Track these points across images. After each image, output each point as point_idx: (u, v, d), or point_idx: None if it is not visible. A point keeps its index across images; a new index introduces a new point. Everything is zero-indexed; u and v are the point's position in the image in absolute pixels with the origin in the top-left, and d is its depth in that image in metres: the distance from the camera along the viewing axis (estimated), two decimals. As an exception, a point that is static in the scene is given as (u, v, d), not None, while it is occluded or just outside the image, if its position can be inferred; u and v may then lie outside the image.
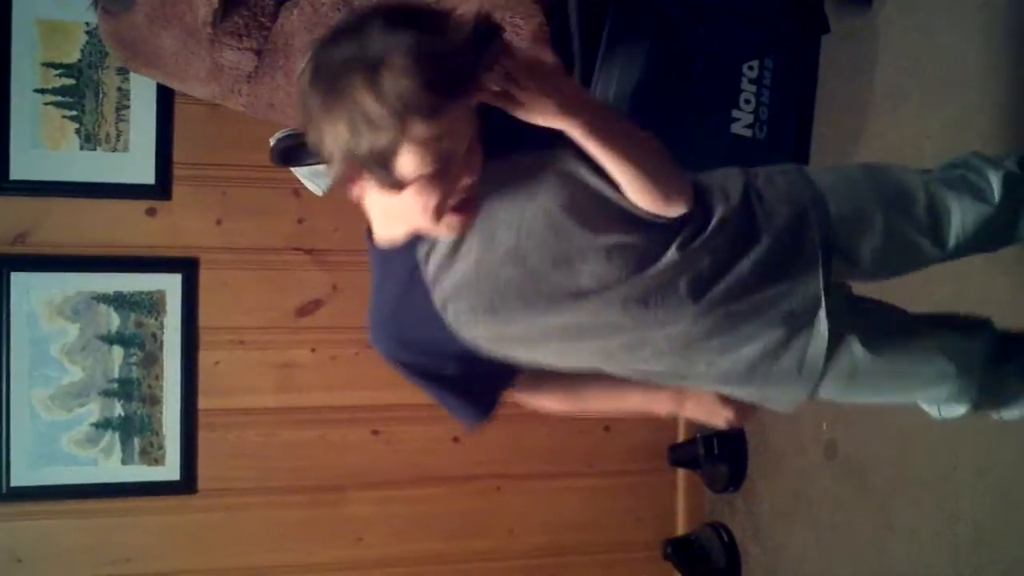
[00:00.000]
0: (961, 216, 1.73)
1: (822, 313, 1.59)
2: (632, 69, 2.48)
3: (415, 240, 1.48)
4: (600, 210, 1.49)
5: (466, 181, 1.37)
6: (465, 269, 1.48)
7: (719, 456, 3.48)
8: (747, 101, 2.75)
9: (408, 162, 1.29)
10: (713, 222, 1.54)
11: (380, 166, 1.29)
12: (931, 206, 1.72)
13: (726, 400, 1.72)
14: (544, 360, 1.61)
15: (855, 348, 1.64)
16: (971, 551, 2.50)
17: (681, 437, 3.69)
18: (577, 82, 1.56)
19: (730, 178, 1.63)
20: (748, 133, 2.75)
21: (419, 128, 1.25)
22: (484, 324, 1.53)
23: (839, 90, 2.92)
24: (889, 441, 2.80)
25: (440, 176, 1.32)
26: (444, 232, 1.43)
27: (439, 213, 1.37)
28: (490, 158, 1.41)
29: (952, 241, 1.74)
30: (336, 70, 1.26)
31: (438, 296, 1.51)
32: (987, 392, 1.83)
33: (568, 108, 1.37)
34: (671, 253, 1.50)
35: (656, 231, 1.51)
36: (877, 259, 1.67)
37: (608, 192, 1.48)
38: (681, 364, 1.60)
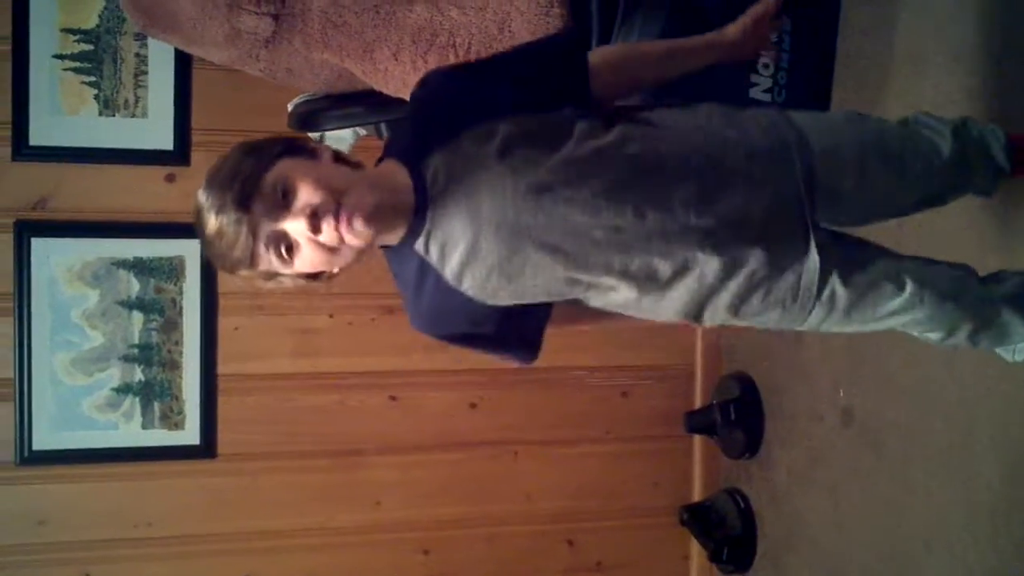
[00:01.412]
0: (927, 156, 1.87)
1: (812, 245, 1.68)
2: (650, 34, 2.47)
3: (408, 237, 1.58)
4: (551, 138, 1.59)
5: (349, 199, 1.47)
6: (464, 250, 1.57)
7: (735, 422, 3.49)
8: (765, 65, 2.73)
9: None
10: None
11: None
12: (904, 150, 1.84)
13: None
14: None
15: (834, 280, 1.73)
16: (987, 517, 2.50)
17: (698, 403, 3.70)
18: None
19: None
20: (767, 97, 2.73)
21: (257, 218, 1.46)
22: (503, 291, 1.62)
23: (859, 51, 2.89)
24: (906, 407, 2.79)
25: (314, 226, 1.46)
26: (358, 244, 1.51)
27: (330, 256, 1.51)
28: (441, 144, 1.57)
29: (916, 182, 1.86)
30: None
31: (449, 275, 1.60)
32: (984, 325, 1.94)
33: None
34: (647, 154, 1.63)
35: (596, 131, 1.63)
36: (854, 197, 1.77)
37: (549, 124, 1.62)
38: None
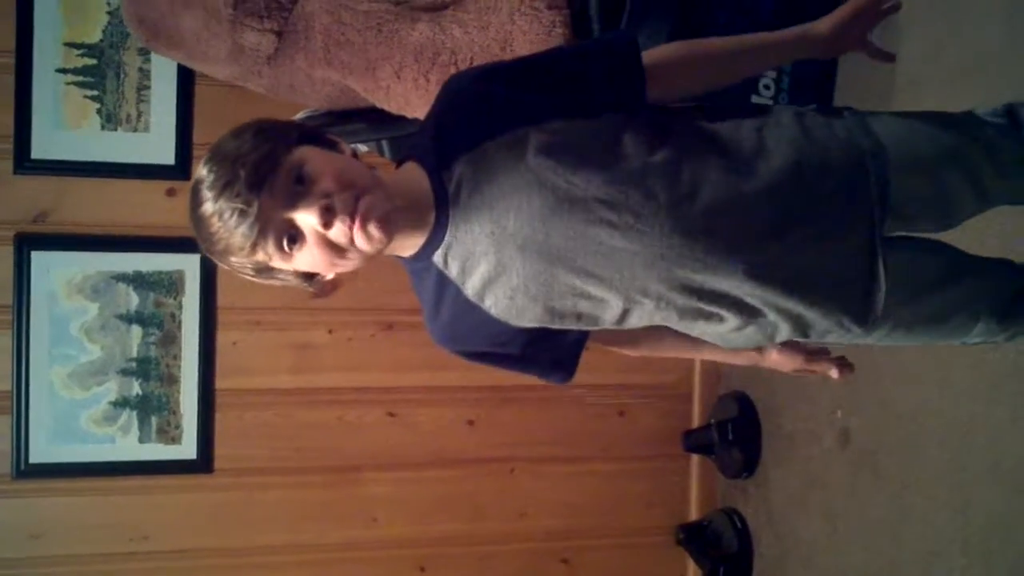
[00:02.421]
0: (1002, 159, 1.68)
1: (880, 268, 1.54)
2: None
3: (426, 248, 1.46)
4: (591, 151, 1.45)
5: (367, 200, 1.36)
6: (487, 268, 1.45)
7: (733, 442, 3.49)
8: (767, 87, 2.74)
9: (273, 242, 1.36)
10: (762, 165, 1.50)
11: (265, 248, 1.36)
12: (980, 159, 1.66)
13: (806, 363, 1.74)
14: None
15: (900, 304, 1.61)
16: (983, 539, 2.50)
17: (696, 423, 3.69)
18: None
19: (779, 121, 1.58)
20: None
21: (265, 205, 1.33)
22: (529, 312, 1.50)
23: (859, 77, 2.90)
24: (903, 429, 2.80)
25: (326, 219, 1.34)
26: (367, 251, 1.39)
27: (336, 256, 1.38)
28: (465, 152, 1.43)
29: (998, 194, 1.71)
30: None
31: (470, 293, 1.49)
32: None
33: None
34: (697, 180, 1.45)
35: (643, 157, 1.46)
36: (929, 209, 1.63)
37: (588, 135, 1.46)
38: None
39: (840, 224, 1.52)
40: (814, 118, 1.58)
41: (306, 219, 1.34)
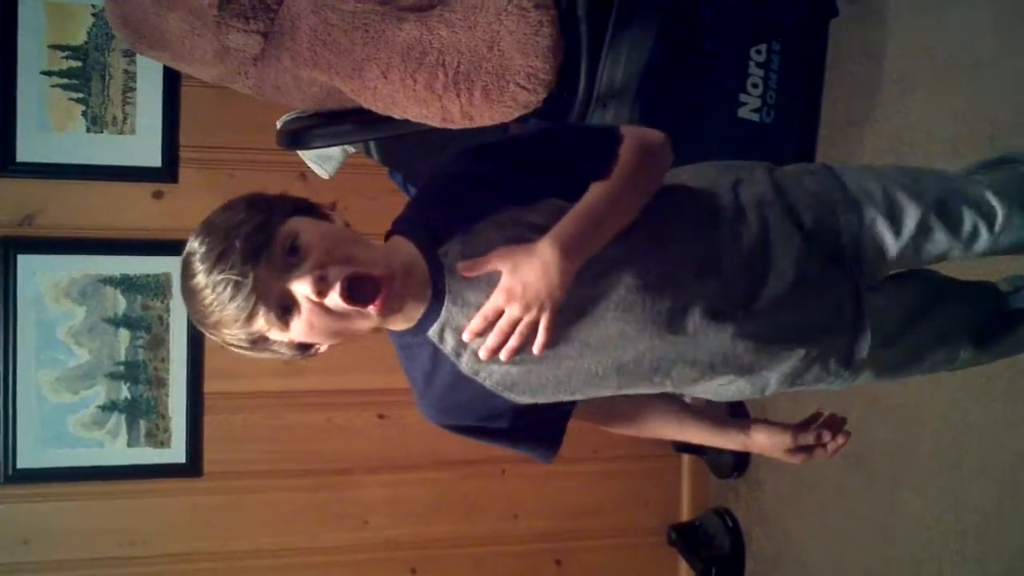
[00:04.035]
0: (1000, 229, 1.70)
1: (866, 315, 1.58)
2: (639, 52, 2.47)
3: (422, 323, 1.46)
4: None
5: (368, 263, 1.37)
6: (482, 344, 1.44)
7: (724, 442, 3.48)
8: (755, 85, 2.74)
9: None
10: (734, 238, 1.52)
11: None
12: (965, 211, 1.68)
13: (795, 442, 1.71)
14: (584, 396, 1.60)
15: (884, 349, 1.66)
16: (976, 538, 2.50)
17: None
18: (529, 249, 1.38)
19: (752, 178, 1.61)
20: (755, 117, 2.74)
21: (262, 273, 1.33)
22: (521, 393, 1.52)
23: (847, 75, 2.90)
24: (894, 428, 2.79)
25: (318, 289, 1.34)
26: (367, 326, 1.42)
27: (334, 323, 1.39)
28: (459, 232, 1.43)
29: (980, 250, 1.71)
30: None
31: (466, 368, 1.49)
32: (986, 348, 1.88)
33: (563, 278, 1.35)
34: (689, 277, 1.48)
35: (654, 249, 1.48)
36: (905, 260, 1.66)
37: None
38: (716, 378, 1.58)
39: (819, 280, 1.55)
40: (785, 174, 1.63)
41: (301, 289, 1.34)
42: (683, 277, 1.47)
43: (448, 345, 1.47)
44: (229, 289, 1.32)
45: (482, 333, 1.38)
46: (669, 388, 1.57)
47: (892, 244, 1.62)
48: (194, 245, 1.36)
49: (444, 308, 1.44)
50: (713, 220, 1.53)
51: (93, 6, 3.12)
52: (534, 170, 1.48)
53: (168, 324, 3.23)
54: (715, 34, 2.62)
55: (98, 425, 3.20)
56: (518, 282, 1.34)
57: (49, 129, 3.14)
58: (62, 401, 3.17)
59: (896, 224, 1.61)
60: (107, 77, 3.17)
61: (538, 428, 1.64)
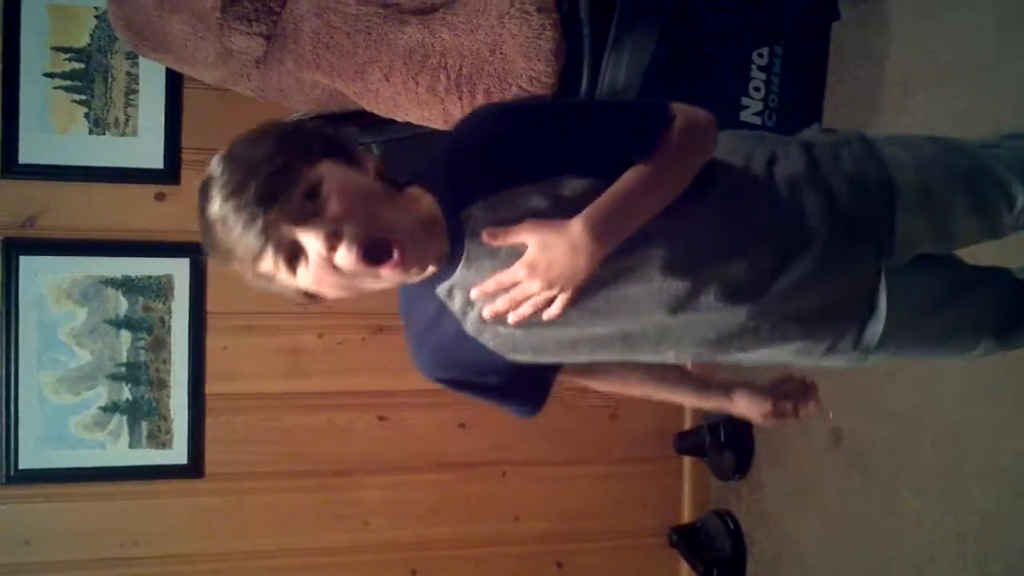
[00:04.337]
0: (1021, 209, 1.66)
1: (882, 298, 1.54)
2: (641, 56, 2.48)
3: (433, 281, 1.43)
4: None
5: (386, 225, 1.33)
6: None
7: (725, 444, 3.48)
8: (756, 89, 2.74)
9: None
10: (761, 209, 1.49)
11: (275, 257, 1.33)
12: (994, 192, 1.64)
13: (775, 408, 1.71)
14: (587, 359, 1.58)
15: (898, 334, 1.61)
16: (977, 540, 2.50)
17: (688, 425, 3.69)
18: (565, 228, 1.34)
19: (787, 154, 1.56)
20: (757, 120, 2.74)
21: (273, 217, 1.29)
22: (523, 353, 1.50)
23: (849, 78, 2.91)
24: (895, 429, 2.80)
25: (331, 241, 1.30)
26: (382, 283, 1.38)
27: (356, 267, 1.33)
28: (484, 195, 1.39)
29: (1007, 229, 1.68)
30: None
31: (471, 327, 1.47)
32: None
33: (590, 263, 1.34)
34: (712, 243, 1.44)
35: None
36: (934, 239, 1.63)
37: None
38: (720, 353, 1.55)
39: (843, 262, 1.51)
40: (821, 149, 1.57)
41: (311, 242, 1.30)
42: (707, 257, 1.44)
43: (456, 303, 1.45)
44: (240, 226, 1.29)
45: (493, 295, 1.37)
46: (671, 359, 1.57)
47: (924, 226, 1.58)
48: (215, 169, 1.33)
49: (458, 270, 1.41)
50: (745, 199, 1.49)
51: (96, 8, 3.12)
52: (572, 144, 1.43)
53: (170, 326, 3.23)
54: (717, 37, 2.62)
55: (100, 426, 3.20)
56: (544, 259, 1.32)
57: (51, 131, 3.14)
58: (64, 402, 3.17)
59: (930, 206, 1.58)
60: (110, 79, 3.17)
61: (527, 385, 1.60)
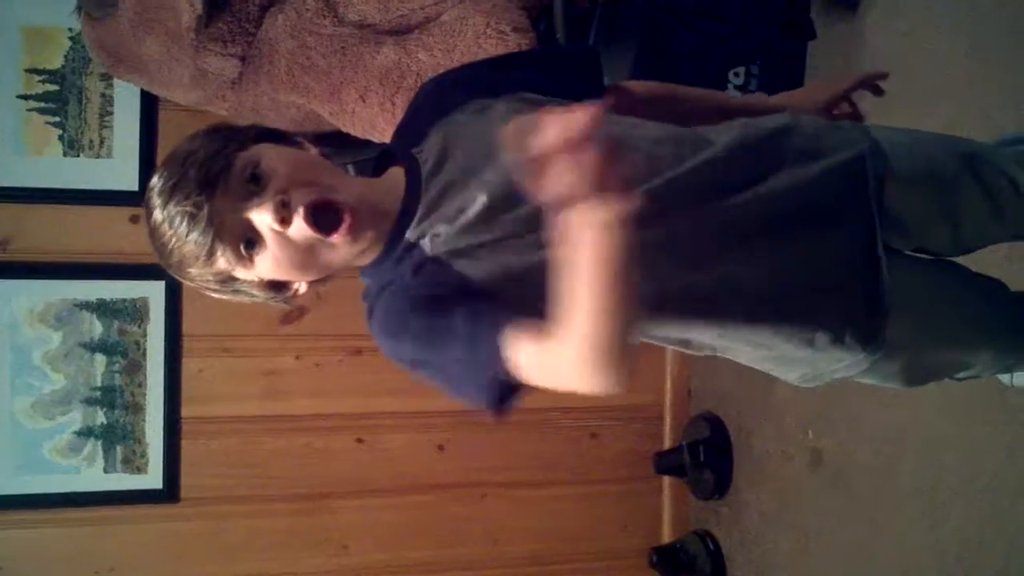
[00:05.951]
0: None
1: (883, 282, 1.44)
2: (617, 75, 2.48)
3: (389, 247, 1.35)
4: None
5: (333, 187, 1.29)
6: (479, 207, 1.30)
7: (705, 463, 3.48)
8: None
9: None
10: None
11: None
12: (998, 177, 1.56)
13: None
14: None
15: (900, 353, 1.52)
16: (957, 559, 2.50)
17: (667, 444, 3.68)
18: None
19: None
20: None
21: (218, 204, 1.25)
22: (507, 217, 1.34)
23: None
24: (875, 449, 2.80)
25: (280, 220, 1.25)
26: (338, 254, 1.31)
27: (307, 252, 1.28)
28: (434, 122, 1.39)
29: (1010, 214, 1.59)
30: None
31: (445, 247, 1.32)
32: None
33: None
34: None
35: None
36: (936, 225, 1.54)
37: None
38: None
39: (835, 213, 1.42)
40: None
41: (262, 219, 1.25)
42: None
43: (440, 229, 1.32)
44: (184, 222, 1.24)
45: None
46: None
47: (925, 203, 1.50)
48: (153, 180, 1.29)
49: (415, 223, 1.34)
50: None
51: (70, 30, 3.10)
52: (516, 71, 1.46)
53: (145, 349, 3.20)
54: (693, 57, 2.63)
55: (74, 451, 3.17)
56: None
57: (25, 153, 3.12)
58: (38, 427, 3.14)
59: (929, 181, 1.51)
60: (84, 101, 3.15)
61: (495, 314, 1.28)
